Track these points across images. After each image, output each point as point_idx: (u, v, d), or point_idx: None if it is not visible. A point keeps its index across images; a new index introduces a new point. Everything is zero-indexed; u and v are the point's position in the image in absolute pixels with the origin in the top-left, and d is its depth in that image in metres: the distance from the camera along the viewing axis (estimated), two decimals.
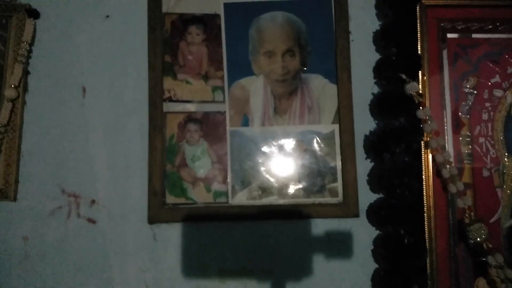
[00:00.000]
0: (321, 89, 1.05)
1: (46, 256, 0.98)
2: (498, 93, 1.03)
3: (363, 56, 1.05)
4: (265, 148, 1.03)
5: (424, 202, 0.96)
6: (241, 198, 1.01)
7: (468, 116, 1.02)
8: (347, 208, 0.99)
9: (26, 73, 1.03)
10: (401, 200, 0.94)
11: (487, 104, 1.03)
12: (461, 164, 1.00)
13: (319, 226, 1.00)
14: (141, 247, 0.99)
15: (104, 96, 1.03)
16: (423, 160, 0.97)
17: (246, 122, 1.04)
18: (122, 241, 0.99)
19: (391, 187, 0.94)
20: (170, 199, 1.00)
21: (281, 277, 0.99)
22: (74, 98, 1.03)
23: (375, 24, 1.07)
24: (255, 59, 1.05)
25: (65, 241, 0.99)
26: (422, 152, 0.98)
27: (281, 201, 1.01)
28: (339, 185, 1.01)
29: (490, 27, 1.04)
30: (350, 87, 1.03)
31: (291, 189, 1.01)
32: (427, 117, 0.96)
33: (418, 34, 1.01)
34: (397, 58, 0.99)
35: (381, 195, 0.99)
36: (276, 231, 1.00)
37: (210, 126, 1.03)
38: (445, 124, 1.01)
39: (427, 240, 0.95)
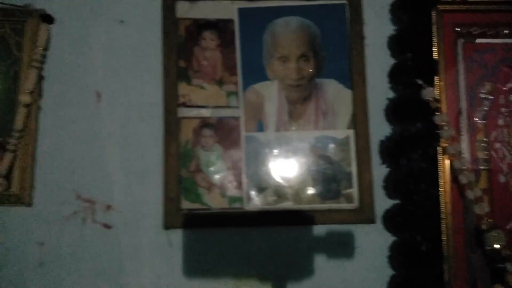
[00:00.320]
0: (336, 94, 1.04)
1: (61, 262, 0.98)
2: None
3: (377, 61, 1.05)
4: (279, 154, 1.03)
5: (441, 208, 0.95)
6: (256, 204, 1.01)
7: (484, 122, 1.02)
8: (363, 214, 0.99)
9: (40, 78, 1.03)
10: (418, 206, 0.94)
11: (503, 109, 1.02)
12: (477, 170, 1.00)
13: (334, 232, 1.00)
14: (157, 253, 0.99)
15: (119, 101, 1.03)
16: (439, 166, 0.97)
17: (260, 128, 1.03)
18: (138, 247, 0.99)
19: (408, 193, 0.94)
20: (186, 204, 1.00)
21: (296, 283, 0.99)
22: (89, 103, 1.03)
23: (389, 29, 1.06)
24: (270, 64, 1.05)
25: (81, 246, 0.98)
26: (439, 158, 0.97)
27: (296, 207, 1.01)
28: (354, 190, 1.01)
29: (506, 32, 1.04)
30: (365, 92, 1.03)
31: (306, 195, 1.01)
32: (444, 123, 0.96)
33: (434, 39, 1.01)
34: (413, 63, 0.99)
35: (397, 201, 0.99)
36: (291, 236, 1.00)
37: (224, 132, 1.03)
38: (461, 130, 1.01)
39: (444, 247, 0.94)
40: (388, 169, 1.01)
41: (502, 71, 1.03)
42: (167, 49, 1.04)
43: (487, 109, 1.02)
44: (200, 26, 1.06)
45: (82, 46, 1.05)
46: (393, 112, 1.00)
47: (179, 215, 0.99)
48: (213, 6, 1.06)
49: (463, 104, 1.02)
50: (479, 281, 0.97)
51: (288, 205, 1.01)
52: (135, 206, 1.00)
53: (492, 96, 1.02)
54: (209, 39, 1.06)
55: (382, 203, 1.00)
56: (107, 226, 0.99)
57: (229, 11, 1.06)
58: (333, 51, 1.06)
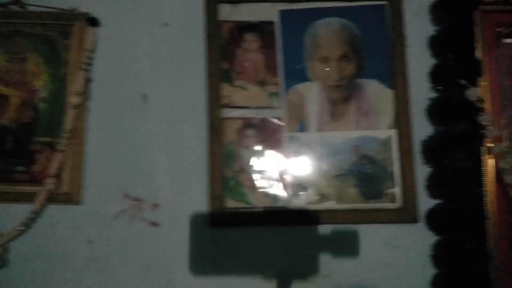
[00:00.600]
0: (377, 94, 1.05)
1: (110, 259, 1.01)
2: None
3: (417, 61, 1.06)
4: (322, 153, 1.04)
5: (486, 208, 0.96)
6: (299, 203, 1.02)
7: None
8: (406, 214, 1.00)
9: (88, 80, 1.06)
10: (462, 206, 0.94)
11: None
12: None
13: (377, 231, 1.01)
14: (202, 251, 1.01)
15: (164, 103, 1.06)
16: (484, 166, 0.97)
17: (302, 128, 1.05)
18: (184, 244, 1.01)
19: (453, 193, 0.95)
20: (230, 203, 1.02)
21: (340, 282, 1.00)
22: (135, 104, 1.05)
23: (430, 29, 1.07)
24: (311, 65, 1.06)
25: (129, 244, 1.01)
26: (483, 157, 0.97)
27: (339, 206, 1.02)
28: (397, 190, 1.01)
29: None
30: (407, 92, 1.04)
31: (349, 194, 1.02)
32: (489, 123, 0.96)
33: (476, 40, 1.01)
34: (455, 63, 0.99)
35: (440, 201, 0.99)
36: (334, 235, 1.01)
37: (267, 132, 1.05)
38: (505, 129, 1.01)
39: (489, 245, 0.94)
40: (429, 169, 1.01)
41: None
42: (210, 51, 1.06)
43: None
44: (242, 28, 1.08)
45: (127, 49, 1.07)
46: (436, 112, 1.00)
47: (224, 213, 1.01)
48: (254, 8, 1.08)
49: (507, 104, 1.02)
50: None
51: (330, 204, 1.02)
52: (182, 205, 1.02)
53: None
54: (251, 41, 1.07)
55: (424, 202, 1.01)
56: (154, 224, 1.02)
57: (270, 13, 1.08)
58: (373, 51, 1.06)
